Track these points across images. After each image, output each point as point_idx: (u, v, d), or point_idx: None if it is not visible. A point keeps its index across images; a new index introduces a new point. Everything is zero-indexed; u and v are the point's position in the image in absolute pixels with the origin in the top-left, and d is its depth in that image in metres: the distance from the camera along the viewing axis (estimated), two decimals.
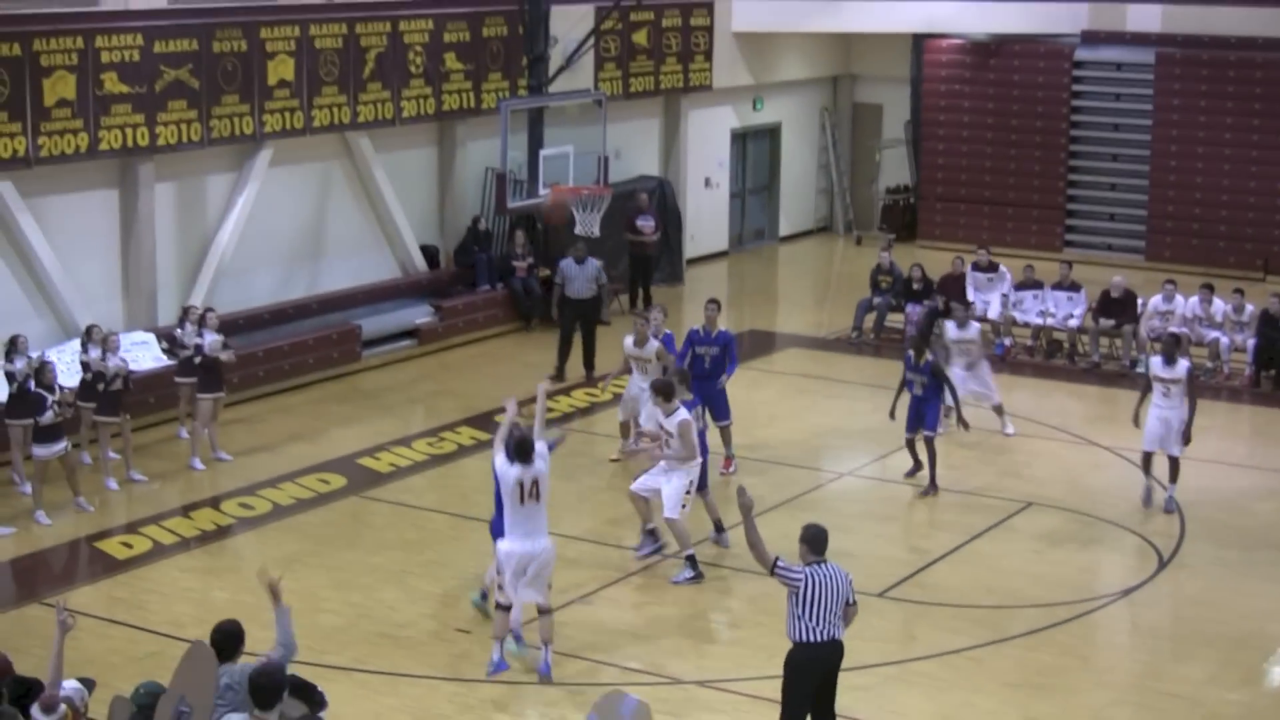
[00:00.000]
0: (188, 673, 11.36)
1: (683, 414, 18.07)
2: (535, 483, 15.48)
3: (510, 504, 15.49)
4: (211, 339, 22.12)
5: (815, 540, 13.34)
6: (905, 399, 21.75)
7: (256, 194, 26.21)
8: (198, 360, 22.08)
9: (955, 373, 22.54)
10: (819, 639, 13.23)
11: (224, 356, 22.06)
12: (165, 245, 25.20)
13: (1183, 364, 20.50)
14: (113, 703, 11.80)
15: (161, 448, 22.66)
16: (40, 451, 20.04)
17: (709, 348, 21.79)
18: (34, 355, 21.01)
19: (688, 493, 18.04)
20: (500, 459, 15.62)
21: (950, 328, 23.05)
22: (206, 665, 11.36)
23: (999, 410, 23.56)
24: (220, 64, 24.99)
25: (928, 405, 21.43)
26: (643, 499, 18.55)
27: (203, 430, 22.24)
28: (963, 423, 22.13)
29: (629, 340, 21.85)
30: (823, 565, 13.26)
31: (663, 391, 18.13)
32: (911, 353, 21.72)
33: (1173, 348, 20.74)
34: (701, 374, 21.52)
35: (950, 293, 28.60)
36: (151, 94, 24.04)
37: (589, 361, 26.54)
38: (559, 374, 26.46)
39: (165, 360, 23.67)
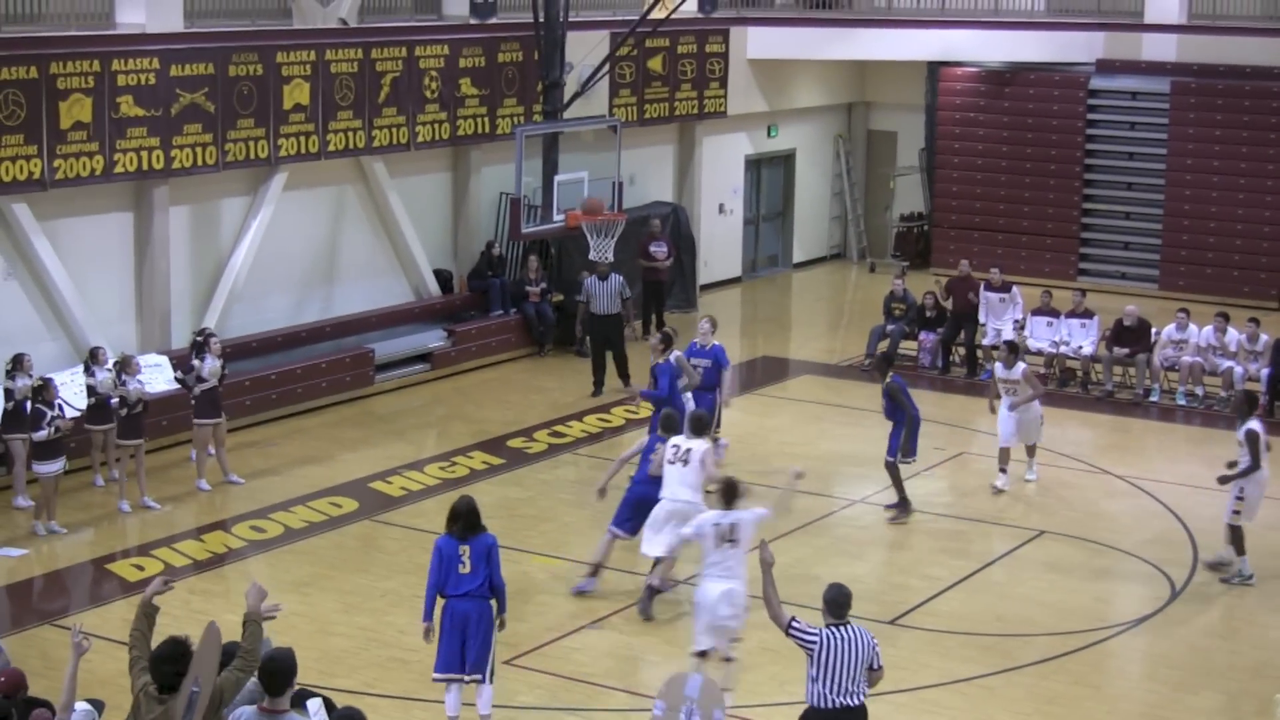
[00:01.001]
0: (202, 654, 11.30)
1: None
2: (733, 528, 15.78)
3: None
4: (211, 364, 22.09)
5: (835, 603, 12.77)
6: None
7: (271, 218, 26.24)
8: (196, 388, 22.06)
9: (1001, 413, 22.54)
10: (832, 705, 12.57)
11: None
12: (179, 268, 25.24)
13: (1020, 366, 22.60)
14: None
15: (174, 471, 22.65)
16: (40, 469, 20.14)
17: (703, 360, 22.26)
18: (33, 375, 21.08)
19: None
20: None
21: (998, 368, 22.73)
22: (214, 647, 11.31)
23: (1031, 451, 22.97)
24: (236, 88, 25.05)
25: (892, 431, 21.51)
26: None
27: (202, 454, 22.23)
28: (903, 459, 21.61)
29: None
30: (843, 628, 12.69)
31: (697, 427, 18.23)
32: (875, 372, 22.56)
33: (1011, 354, 22.77)
34: (698, 386, 22.23)
35: (960, 296, 28.64)
36: (167, 117, 24.10)
37: (623, 373, 27.06)
38: (597, 389, 27.14)
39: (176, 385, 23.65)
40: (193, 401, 22.22)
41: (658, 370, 21.63)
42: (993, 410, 22.89)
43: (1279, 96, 34.13)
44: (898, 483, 21.52)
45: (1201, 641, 17.64)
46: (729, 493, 15.92)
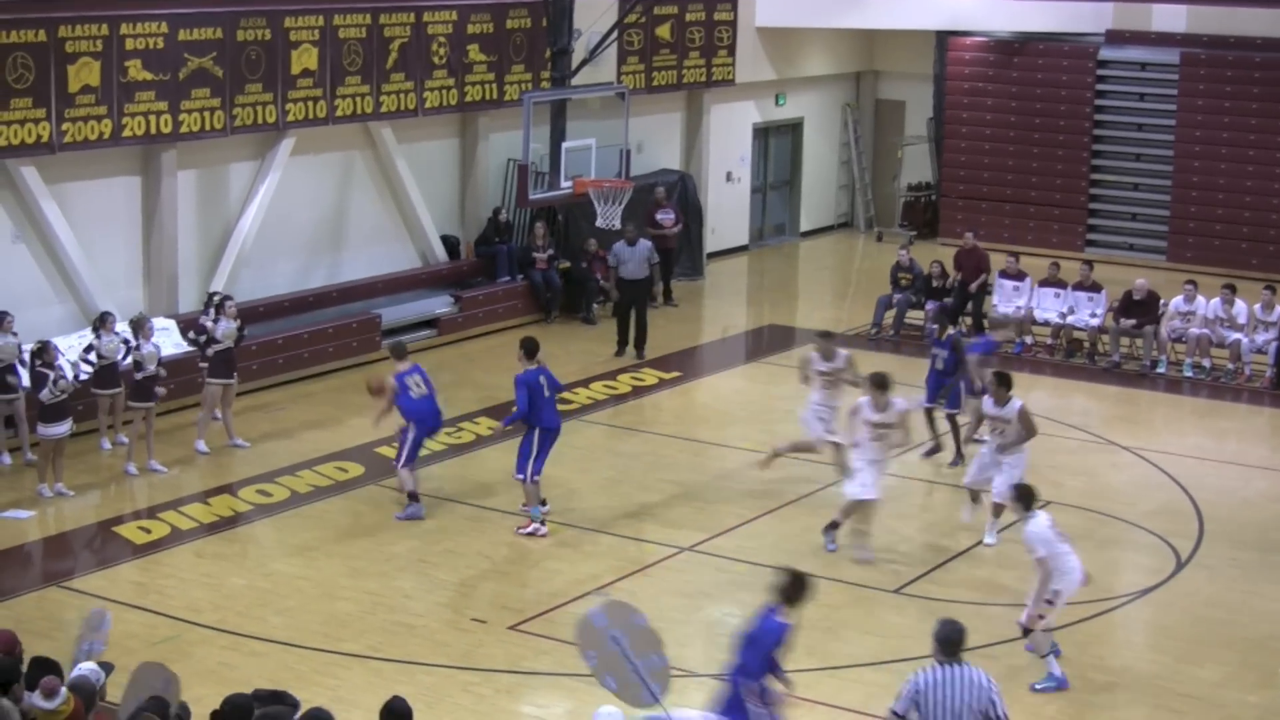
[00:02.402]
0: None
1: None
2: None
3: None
4: (226, 326, 22.11)
5: (946, 640, 11.39)
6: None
7: (278, 183, 26.25)
8: (208, 349, 22.11)
9: (982, 450, 19.63)
10: None
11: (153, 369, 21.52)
12: (187, 233, 25.26)
13: (1014, 403, 19.00)
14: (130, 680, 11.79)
15: (179, 435, 22.64)
16: (44, 431, 20.18)
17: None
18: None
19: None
20: None
21: (986, 402, 19.40)
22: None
23: (996, 510, 19.46)
24: (244, 53, 25.02)
25: (947, 381, 22.23)
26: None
27: (208, 415, 22.27)
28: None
29: (815, 356, 20.96)
30: (951, 667, 11.33)
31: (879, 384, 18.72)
32: (935, 326, 23.01)
33: (1003, 388, 19.17)
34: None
35: (968, 269, 28.64)
36: (175, 82, 24.08)
37: (640, 341, 27.39)
38: (621, 349, 27.58)
39: (185, 347, 23.65)
40: (203, 363, 22.27)
41: (516, 382, 19.41)
42: (970, 439, 21.81)
43: None
44: (956, 434, 22.31)
45: (1206, 613, 17.65)
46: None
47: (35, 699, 11.11)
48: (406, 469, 19.98)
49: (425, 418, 20.12)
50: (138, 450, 21.37)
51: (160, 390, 21.73)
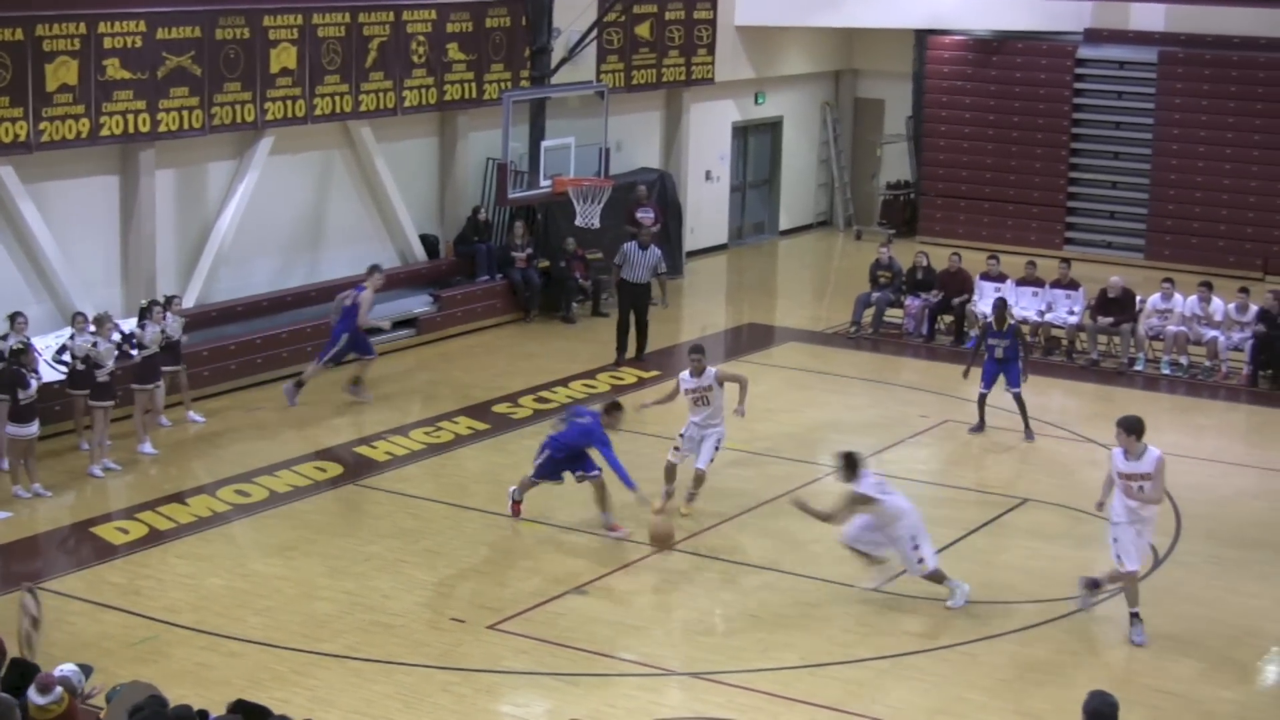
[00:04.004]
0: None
1: None
2: None
3: None
4: (153, 332, 22.05)
5: (1098, 714, 10.62)
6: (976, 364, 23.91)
7: (257, 182, 26.22)
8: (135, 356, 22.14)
9: (859, 519, 17.61)
10: None
11: (112, 366, 21.55)
12: (165, 232, 25.21)
13: (1152, 452, 17.83)
14: (115, 698, 11.74)
15: (156, 434, 22.61)
16: (14, 431, 20.14)
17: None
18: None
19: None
20: None
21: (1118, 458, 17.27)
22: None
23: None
24: (223, 51, 24.98)
25: (1010, 365, 23.35)
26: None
27: (139, 417, 22.23)
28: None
29: (685, 374, 20.34)
30: None
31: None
32: (993, 320, 23.50)
33: (1001, 311, 23.49)
34: None
35: (951, 289, 28.67)
36: (154, 81, 24.04)
37: (641, 346, 27.20)
38: (620, 355, 27.20)
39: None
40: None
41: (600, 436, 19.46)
42: (964, 376, 24.06)
43: (1265, 67, 34.15)
44: (1023, 409, 23.49)
45: (1183, 609, 17.68)
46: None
47: (31, 695, 11.10)
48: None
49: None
50: (100, 451, 21.31)
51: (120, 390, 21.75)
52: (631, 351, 27.13)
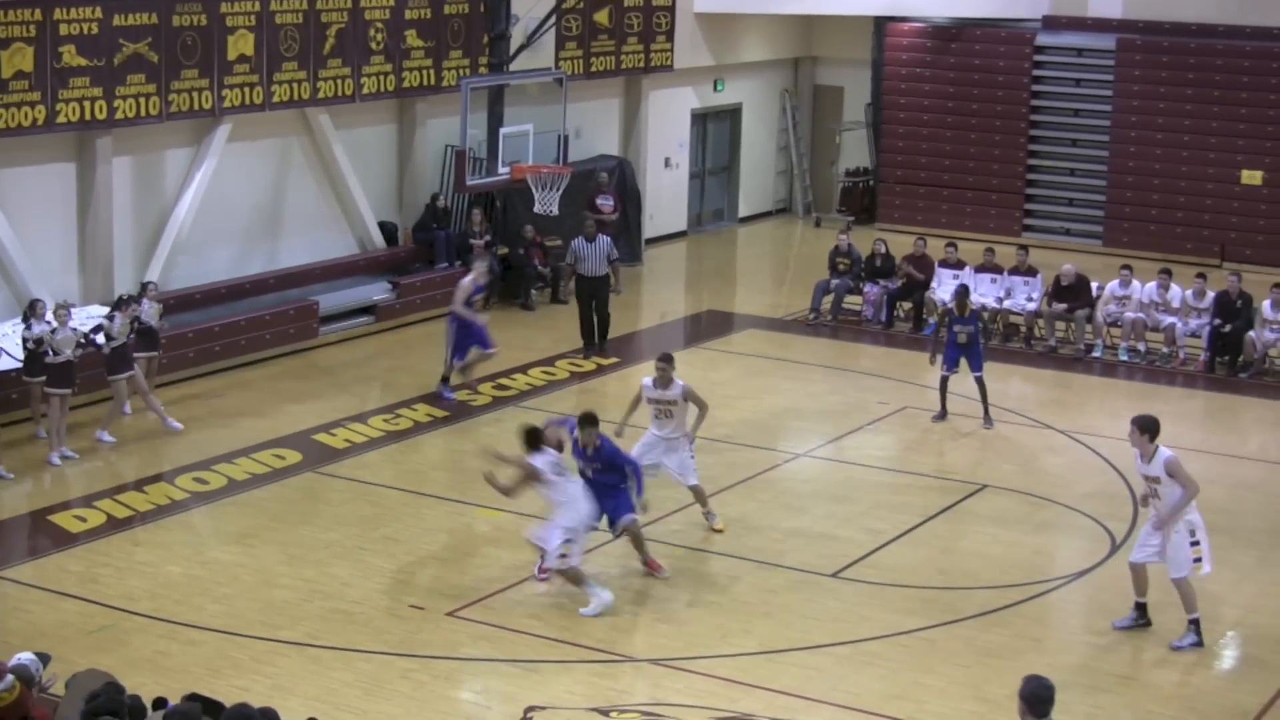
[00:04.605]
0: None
1: None
2: None
3: None
4: (120, 323, 21.94)
5: (1035, 698, 10.58)
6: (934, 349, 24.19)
7: (215, 169, 26.12)
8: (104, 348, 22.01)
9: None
10: None
11: (70, 355, 21.40)
12: (122, 219, 25.10)
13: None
14: (72, 685, 11.69)
15: (115, 422, 22.49)
16: None
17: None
18: None
19: None
20: None
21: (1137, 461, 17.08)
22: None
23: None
24: (180, 38, 24.88)
25: (973, 350, 23.43)
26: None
27: (118, 409, 22.18)
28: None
29: (648, 381, 19.30)
30: None
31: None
32: (954, 308, 23.57)
33: (964, 298, 23.67)
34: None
35: (921, 272, 28.68)
36: (110, 67, 23.93)
37: (603, 335, 27.05)
38: (588, 350, 26.94)
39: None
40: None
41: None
42: (931, 363, 23.89)
43: (1223, 54, 34.28)
44: (984, 394, 23.58)
45: None
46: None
47: None
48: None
49: None
50: (57, 439, 21.21)
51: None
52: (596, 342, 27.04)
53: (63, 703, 11.44)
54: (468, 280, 24.26)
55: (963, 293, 23.91)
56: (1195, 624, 16.41)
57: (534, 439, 17.05)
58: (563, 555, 16.75)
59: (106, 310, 23.69)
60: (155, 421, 22.44)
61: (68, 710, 11.20)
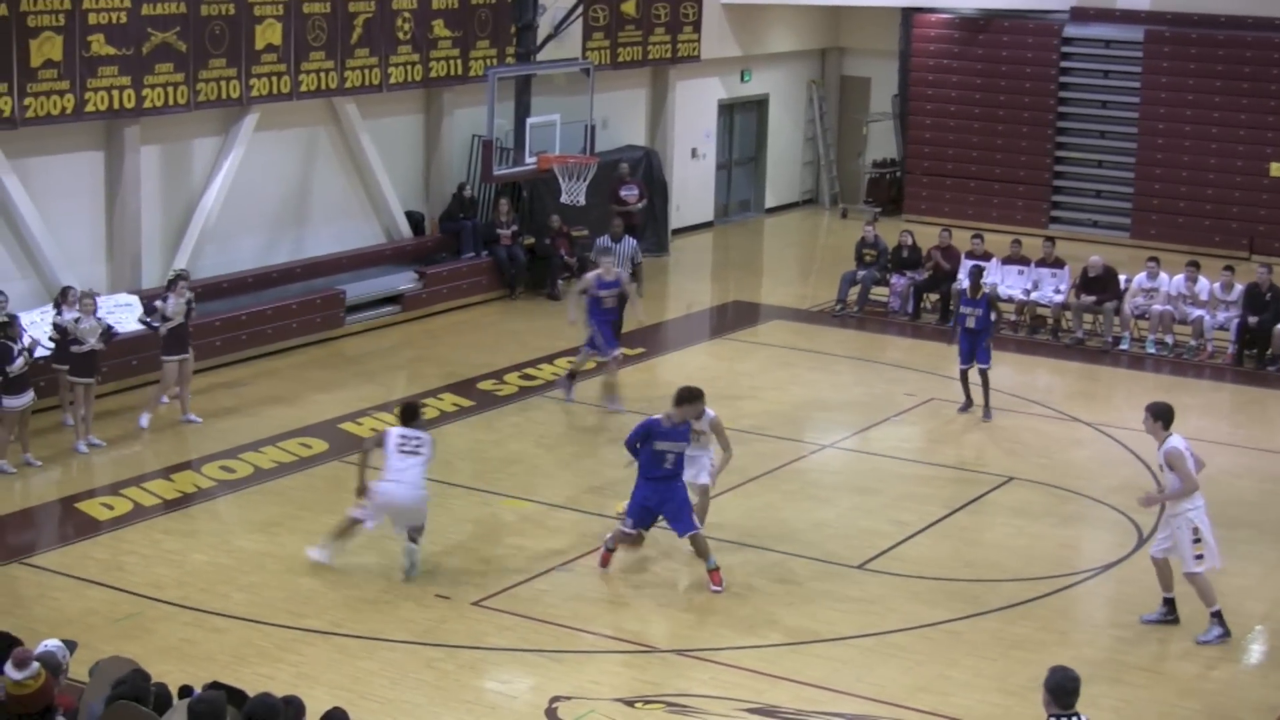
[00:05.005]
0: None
1: None
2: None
3: None
4: (175, 304, 21.96)
5: (1060, 689, 10.61)
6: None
7: (242, 158, 26.16)
8: (161, 329, 22.00)
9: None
10: None
11: (95, 344, 21.34)
12: (150, 208, 25.15)
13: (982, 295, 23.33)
14: (96, 672, 11.71)
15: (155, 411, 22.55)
16: (9, 403, 20.05)
17: (610, 291, 21.70)
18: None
19: None
20: None
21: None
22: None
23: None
24: (208, 27, 24.92)
25: (981, 338, 23.21)
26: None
27: (161, 392, 22.18)
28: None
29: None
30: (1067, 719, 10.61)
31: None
32: (967, 287, 23.48)
33: (976, 278, 23.62)
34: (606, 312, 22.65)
35: (947, 262, 28.62)
36: (138, 56, 23.97)
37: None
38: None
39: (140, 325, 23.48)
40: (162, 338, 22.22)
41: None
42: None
43: (1251, 46, 34.17)
44: (987, 389, 23.45)
45: None
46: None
47: (7, 669, 11.05)
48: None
49: None
50: (84, 427, 21.27)
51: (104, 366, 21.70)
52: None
53: (87, 689, 11.45)
54: (591, 274, 23.64)
55: (976, 273, 23.86)
56: (1217, 616, 16.36)
57: (407, 414, 17.51)
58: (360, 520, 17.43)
59: (133, 299, 23.84)
60: (172, 411, 22.44)
61: (92, 696, 11.22)
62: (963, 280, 28.12)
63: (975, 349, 23.29)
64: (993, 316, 23.69)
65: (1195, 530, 16.30)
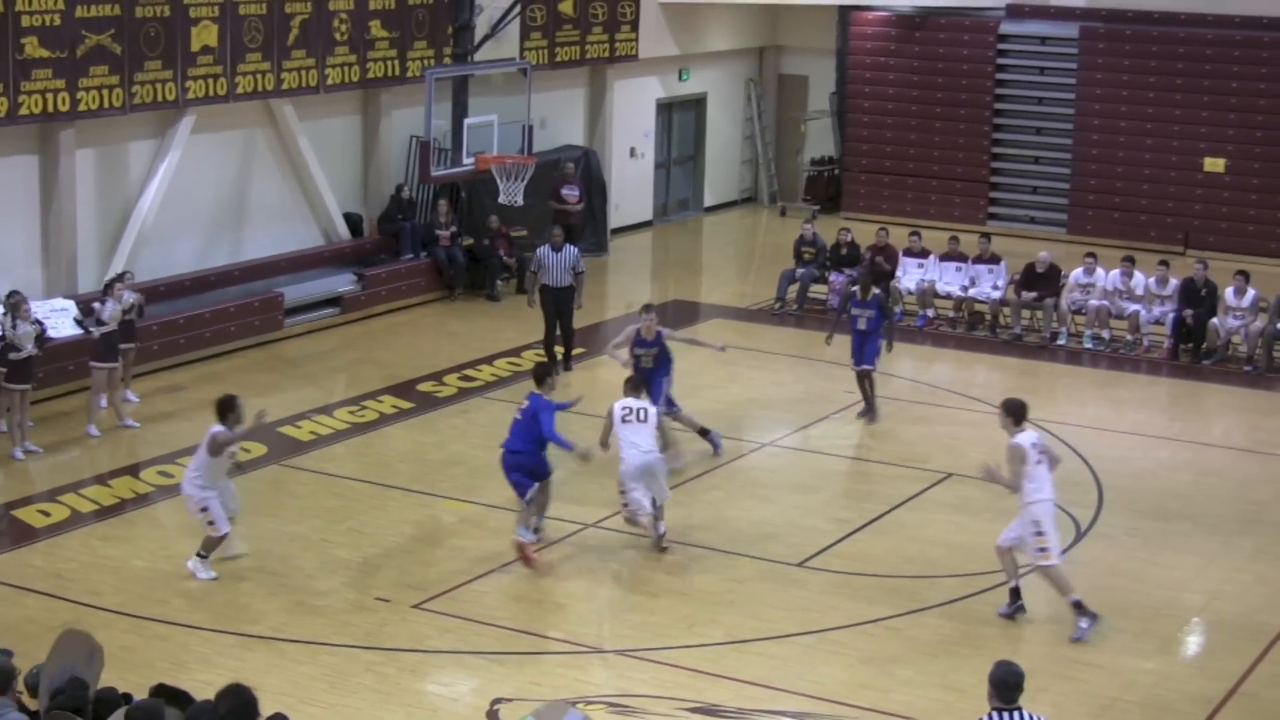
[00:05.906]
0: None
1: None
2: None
3: None
4: (112, 309, 21.86)
5: (1003, 684, 10.65)
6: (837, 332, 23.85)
7: (179, 161, 26.03)
8: (95, 333, 21.89)
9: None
10: None
11: (31, 349, 21.21)
12: (86, 212, 25.01)
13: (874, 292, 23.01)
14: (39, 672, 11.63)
15: (78, 416, 22.36)
16: None
17: (648, 350, 21.24)
18: None
19: None
20: None
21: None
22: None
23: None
24: (143, 29, 24.78)
25: (870, 340, 22.77)
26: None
27: (96, 398, 22.05)
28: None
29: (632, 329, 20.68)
30: (1012, 714, 10.58)
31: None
32: (857, 288, 23.07)
33: (867, 281, 23.43)
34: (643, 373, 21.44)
35: (885, 261, 28.72)
36: (73, 59, 23.82)
37: (568, 349, 25.58)
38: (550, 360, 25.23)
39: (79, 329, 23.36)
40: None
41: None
42: (827, 343, 24.24)
43: (1185, 42, 34.39)
44: (872, 389, 23.13)
45: (1105, 581, 17.79)
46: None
47: None
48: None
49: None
50: (20, 434, 21.11)
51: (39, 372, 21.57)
52: (560, 357, 25.58)
53: (45, 664, 11.41)
54: (631, 328, 21.89)
55: (866, 275, 23.78)
56: (1078, 605, 16.36)
57: (224, 409, 17.49)
58: (211, 523, 17.32)
59: (69, 303, 23.71)
60: (124, 413, 22.35)
61: (52, 668, 11.18)
62: (903, 281, 28.37)
63: (863, 349, 22.96)
64: (899, 310, 23.80)
65: (1037, 523, 16.30)
